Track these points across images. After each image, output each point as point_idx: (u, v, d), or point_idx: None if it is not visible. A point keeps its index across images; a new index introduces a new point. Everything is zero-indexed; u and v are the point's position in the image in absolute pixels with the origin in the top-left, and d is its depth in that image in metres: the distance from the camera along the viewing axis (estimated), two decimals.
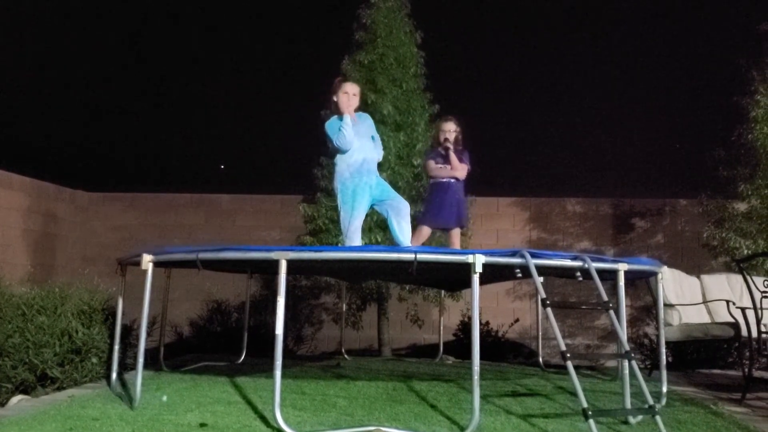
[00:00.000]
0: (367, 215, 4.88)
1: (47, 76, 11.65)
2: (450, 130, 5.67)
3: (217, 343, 7.34)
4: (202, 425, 3.41)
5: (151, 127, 12.03)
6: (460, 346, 7.68)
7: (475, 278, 3.55)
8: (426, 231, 5.51)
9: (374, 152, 4.82)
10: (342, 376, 5.08)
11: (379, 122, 7.25)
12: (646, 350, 7.59)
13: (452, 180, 5.59)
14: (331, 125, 4.77)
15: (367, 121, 4.94)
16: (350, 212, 4.64)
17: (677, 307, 5.43)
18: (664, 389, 4.31)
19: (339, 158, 4.74)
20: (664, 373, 4.39)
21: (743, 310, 4.72)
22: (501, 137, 10.89)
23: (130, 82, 12.11)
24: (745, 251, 7.04)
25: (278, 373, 3.47)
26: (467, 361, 4.28)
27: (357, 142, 4.71)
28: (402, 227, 4.70)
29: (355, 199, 4.64)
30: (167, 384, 4.48)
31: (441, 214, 5.50)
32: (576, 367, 3.41)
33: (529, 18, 12.07)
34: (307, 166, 7.64)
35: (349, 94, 4.77)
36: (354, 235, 4.64)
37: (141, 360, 3.94)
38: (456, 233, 5.65)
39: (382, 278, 6.95)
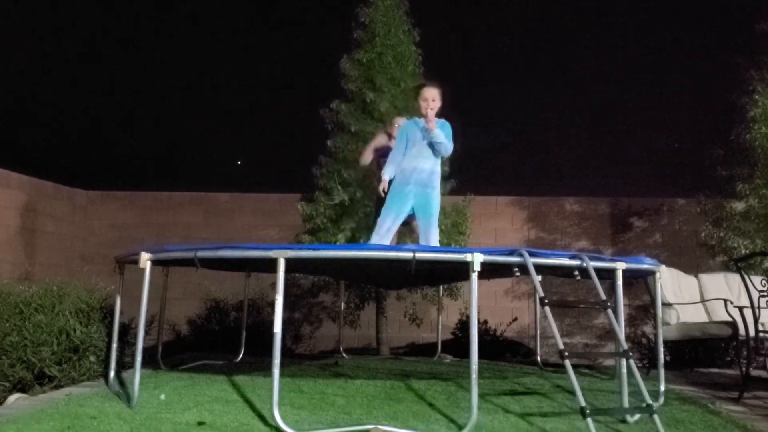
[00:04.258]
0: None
1: (45, 75, 11.63)
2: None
3: (215, 342, 7.33)
4: (200, 424, 3.41)
5: (149, 126, 12.02)
6: (458, 344, 7.68)
7: (474, 277, 3.55)
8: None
9: (432, 164, 4.82)
10: (340, 374, 5.08)
11: (378, 120, 7.26)
12: (644, 349, 7.59)
13: None
14: (401, 129, 4.98)
15: (444, 129, 4.86)
16: (383, 213, 4.79)
17: (675, 306, 5.43)
18: (662, 388, 4.32)
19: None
20: (662, 372, 4.39)
21: (741, 309, 4.72)
22: (500, 136, 10.89)
23: (129, 81, 12.10)
24: (743, 250, 7.05)
25: (276, 371, 3.47)
26: (465, 359, 4.29)
27: (414, 151, 4.79)
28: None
29: (392, 201, 4.77)
30: (165, 382, 4.48)
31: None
32: (574, 366, 3.42)
33: (529, 16, 12.06)
34: (306, 165, 7.64)
35: (428, 100, 4.76)
36: (375, 235, 4.77)
37: (139, 358, 3.94)
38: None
39: (379, 282, 6.95)
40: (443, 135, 4.77)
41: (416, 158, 4.78)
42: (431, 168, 4.81)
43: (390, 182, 4.88)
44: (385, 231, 4.75)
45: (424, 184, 4.77)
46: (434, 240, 4.75)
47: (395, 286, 7.26)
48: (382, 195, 4.92)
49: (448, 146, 4.82)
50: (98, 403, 3.90)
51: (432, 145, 4.79)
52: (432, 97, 4.77)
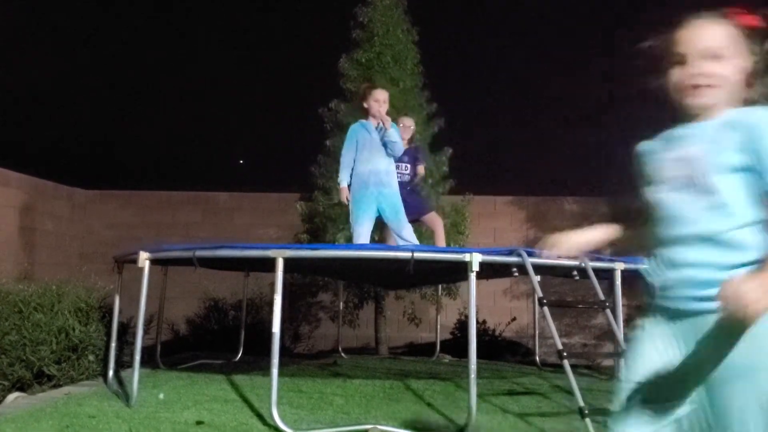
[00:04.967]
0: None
1: (44, 73, 11.63)
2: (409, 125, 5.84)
3: (214, 341, 7.33)
4: (199, 423, 3.41)
5: (148, 125, 12.02)
6: (457, 344, 7.68)
7: (472, 277, 3.56)
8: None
9: (387, 163, 4.84)
10: (339, 374, 5.09)
11: None
12: None
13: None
14: (349, 132, 4.94)
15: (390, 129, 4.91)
16: (354, 221, 4.79)
17: None
18: None
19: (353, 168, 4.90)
20: None
21: None
22: (499, 136, 10.89)
23: (128, 80, 12.09)
24: None
25: (275, 371, 3.47)
26: (464, 359, 4.29)
27: (366, 153, 4.80)
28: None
29: (359, 207, 4.77)
30: (164, 382, 4.48)
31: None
32: (572, 366, 3.42)
33: (529, 16, 12.07)
34: (305, 165, 7.64)
35: (379, 102, 4.84)
36: (356, 243, 4.76)
37: (138, 358, 3.94)
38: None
39: (378, 282, 6.95)
40: (396, 134, 4.84)
41: (369, 160, 4.81)
42: (386, 168, 4.85)
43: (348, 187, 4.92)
44: (360, 236, 4.77)
45: (382, 185, 4.79)
46: (410, 237, 4.75)
47: (394, 286, 7.26)
48: (346, 203, 4.93)
49: (400, 146, 4.89)
50: (97, 402, 3.90)
51: (385, 145, 4.83)
52: (384, 99, 4.87)
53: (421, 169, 5.81)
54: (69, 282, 5.48)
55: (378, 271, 5.07)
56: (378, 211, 4.79)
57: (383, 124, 4.76)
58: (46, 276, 6.24)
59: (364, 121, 4.92)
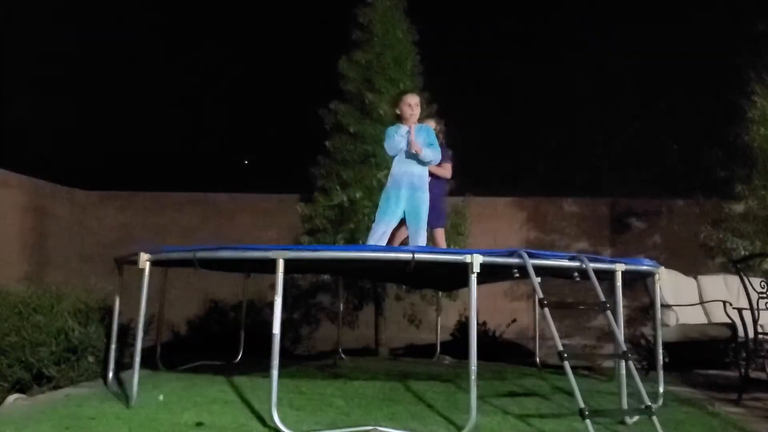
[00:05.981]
0: None
1: (45, 74, 11.62)
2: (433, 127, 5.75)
3: (214, 343, 7.32)
4: (199, 424, 3.41)
5: (148, 126, 12.01)
6: (457, 346, 7.67)
7: (473, 278, 3.55)
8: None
9: (421, 168, 4.91)
10: (339, 375, 5.08)
11: (377, 122, 7.26)
12: (642, 351, 7.58)
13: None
14: (389, 130, 4.96)
15: (423, 133, 4.99)
16: (378, 218, 4.87)
17: (674, 307, 5.43)
18: (661, 390, 4.32)
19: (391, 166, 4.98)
20: (661, 373, 4.39)
21: (740, 311, 4.72)
22: (498, 137, 10.89)
23: (128, 81, 12.09)
24: (742, 252, 7.06)
25: (275, 372, 3.47)
26: (464, 361, 4.29)
27: (403, 155, 4.89)
28: None
29: (387, 205, 4.85)
30: (164, 383, 4.47)
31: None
32: (573, 368, 3.41)
33: (528, 16, 12.07)
34: (306, 166, 7.64)
35: (412, 106, 4.91)
36: (371, 239, 4.83)
37: (138, 359, 3.94)
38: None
39: (380, 279, 6.95)
40: (430, 152, 4.88)
41: (405, 163, 4.90)
42: (421, 172, 4.94)
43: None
44: (380, 235, 4.82)
45: (415, 188, 4.88)
46: (421, 242, 4.80)
47: (396, 281, 7.24)
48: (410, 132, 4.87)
49: (436, 157, 4.95)
50: (97, 404, 3.90)
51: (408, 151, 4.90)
52: (416, 103, 4.95)
53: (447, 168, 5.70)
54: (69, 283, 5.47)
55: (379, 272, 5.07)
56: (404, 212, 4.85)
57: (412, 148, 4.80)
58: (46, 277, 6.23)
59: (399, 125, 4.98)
